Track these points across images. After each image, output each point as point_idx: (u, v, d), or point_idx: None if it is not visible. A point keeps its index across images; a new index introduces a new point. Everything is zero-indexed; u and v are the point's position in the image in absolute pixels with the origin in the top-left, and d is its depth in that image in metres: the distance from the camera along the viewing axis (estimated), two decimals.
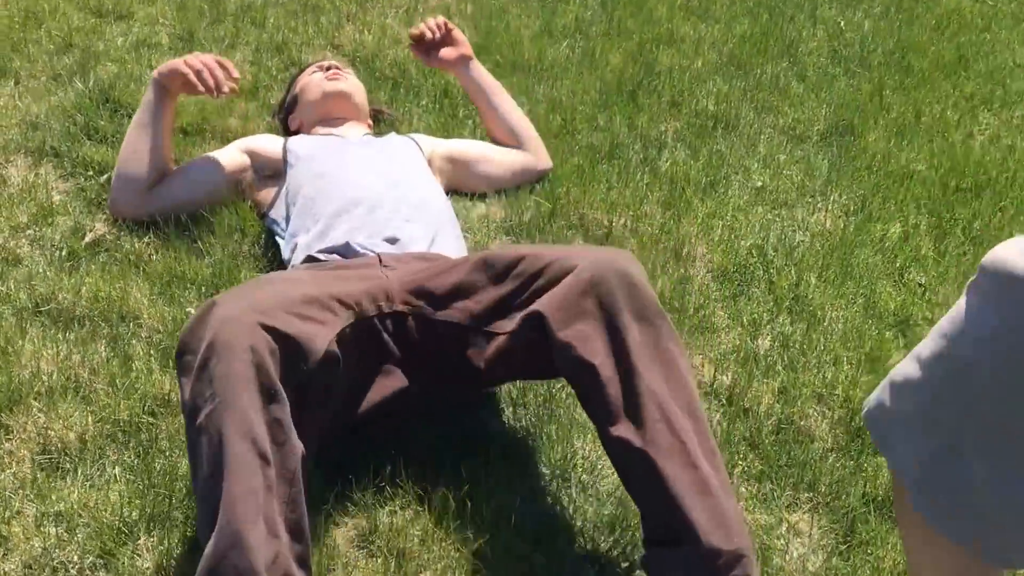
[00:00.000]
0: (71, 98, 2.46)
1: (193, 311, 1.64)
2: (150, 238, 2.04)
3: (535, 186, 2.34)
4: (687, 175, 2.46)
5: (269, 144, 2.14)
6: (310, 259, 1.78)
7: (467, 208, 2.26)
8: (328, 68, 2.28)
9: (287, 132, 2.31)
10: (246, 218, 2.08)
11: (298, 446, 1.30)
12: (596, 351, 1.38)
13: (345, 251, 1.76)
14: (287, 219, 1.95)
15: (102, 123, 2.36)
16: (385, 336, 1.56)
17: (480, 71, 2.38)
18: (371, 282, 1.58)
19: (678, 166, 2.50)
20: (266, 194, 2.10)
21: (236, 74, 2.05)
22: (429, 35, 2.30)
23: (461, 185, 2.29)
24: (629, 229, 2.24)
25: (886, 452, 1.07)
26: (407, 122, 2.54)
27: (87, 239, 2.02)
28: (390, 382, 1.56)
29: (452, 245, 1.87)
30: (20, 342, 1.73)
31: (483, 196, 2.30)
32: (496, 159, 2.33)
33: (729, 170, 2.53)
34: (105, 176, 2.18)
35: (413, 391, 1.56)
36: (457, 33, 2.36)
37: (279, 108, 2.40)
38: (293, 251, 1.85)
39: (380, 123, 2.45)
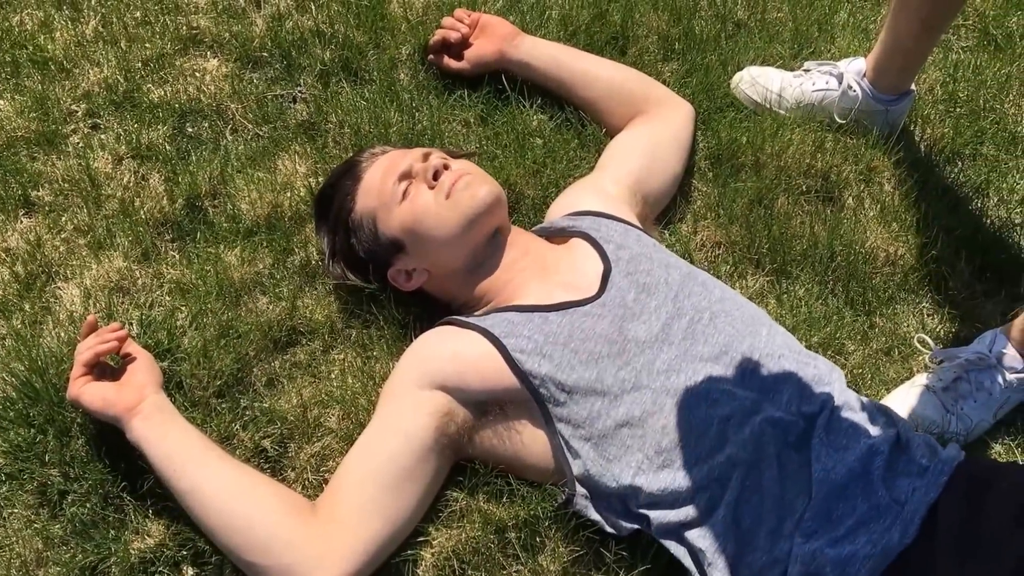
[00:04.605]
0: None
1: None
2: None
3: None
4: None
5: (476, 358, 1.29)
6: None
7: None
8: (435, 174, 1.39)
9: (385, 287, 1.48)
10: None
11: None
12: None
13: None
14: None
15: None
16: None
17: (532, 44, 1.75)
18: None
19: None
20: (516, 449, 1.30)
21: (121, 330, 1.34)
22: (455, 36, 1.74)
23: (655, 212, 1.64)
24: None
25: None
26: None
27: None
28: None
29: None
30: None
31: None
32: (664, 141, 1.64)
33: None
34: None
35: None
36: (487, 18, 1.77)
37: (338, 261, 1.48)
38: None
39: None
